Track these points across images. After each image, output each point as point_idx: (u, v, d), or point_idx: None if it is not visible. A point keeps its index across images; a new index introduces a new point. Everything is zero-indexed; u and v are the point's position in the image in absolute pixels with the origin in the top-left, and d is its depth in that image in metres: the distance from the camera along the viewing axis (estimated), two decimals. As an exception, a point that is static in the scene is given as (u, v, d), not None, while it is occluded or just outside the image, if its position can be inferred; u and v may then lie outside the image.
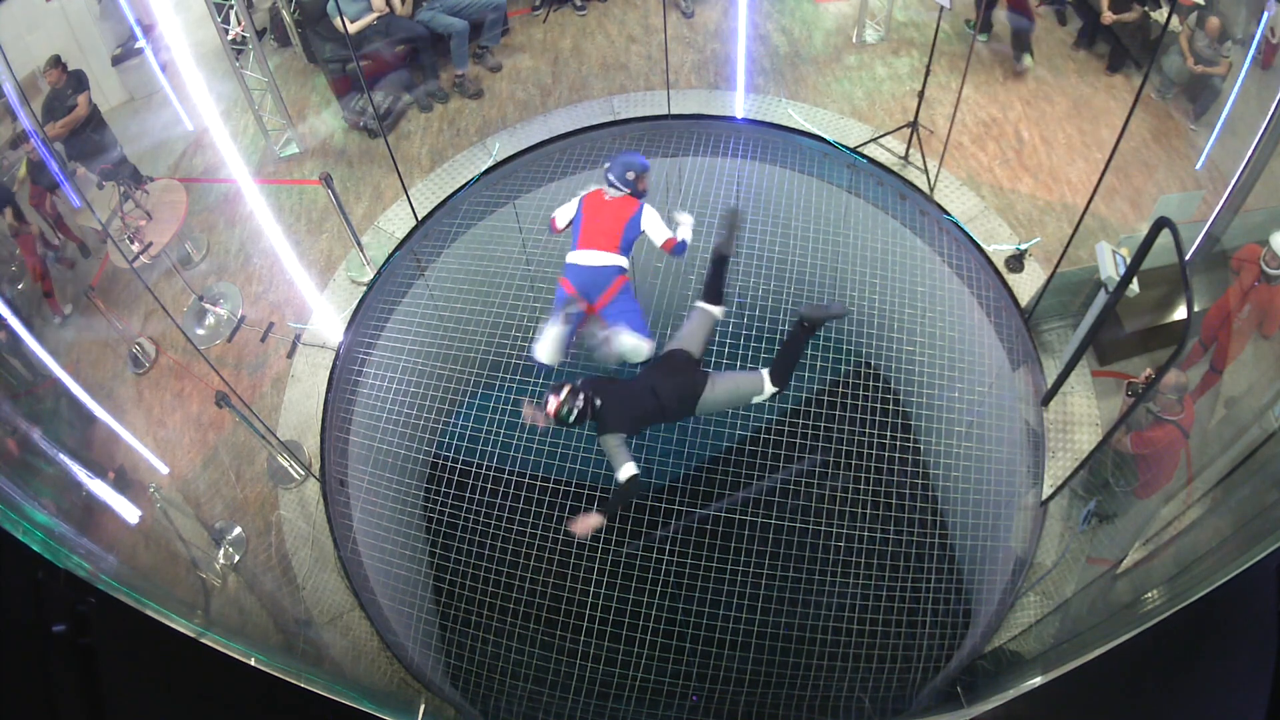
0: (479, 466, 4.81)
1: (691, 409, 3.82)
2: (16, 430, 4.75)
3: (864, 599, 4.80)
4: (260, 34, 6.53)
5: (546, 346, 3.99)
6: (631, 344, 3.92)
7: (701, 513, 5.05)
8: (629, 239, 4.03)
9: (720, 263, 3.98)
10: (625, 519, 4.65)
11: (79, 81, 5.79)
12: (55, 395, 5.10)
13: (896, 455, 5.31)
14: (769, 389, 3.83)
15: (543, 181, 5.96)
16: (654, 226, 4.05)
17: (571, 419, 3.59)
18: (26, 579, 1.74)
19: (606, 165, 4.09)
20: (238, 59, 5.98)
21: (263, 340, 5.47)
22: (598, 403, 3.65)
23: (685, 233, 4.09)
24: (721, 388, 3.81)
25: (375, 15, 6.25)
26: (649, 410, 3.74)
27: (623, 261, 4.02)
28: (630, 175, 4.00)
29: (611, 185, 4.07)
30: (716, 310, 4.01)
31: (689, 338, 3.92)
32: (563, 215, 4.21)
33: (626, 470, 3.60)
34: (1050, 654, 3.66)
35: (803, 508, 4.96)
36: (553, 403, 3.58)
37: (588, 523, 3.65)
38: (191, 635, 2.05)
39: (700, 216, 5.48)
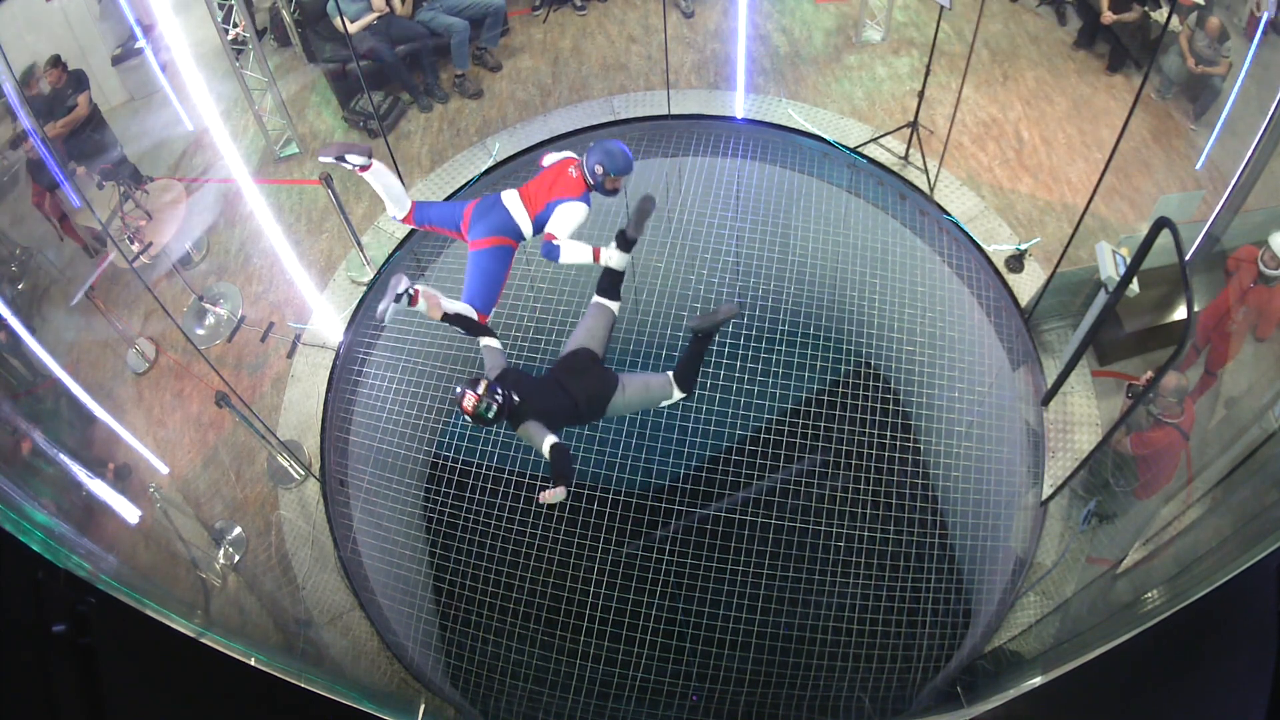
0: (479, 466, 4.81)
1: (602, 410, 3.69)
2: (17, 430, 4.75)
3: (864, 599, 4.80)
4: (260, 34, 6.53)
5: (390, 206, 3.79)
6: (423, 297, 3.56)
7: (701, 513, 5.05)
8: (544, 219, 3.70)
9: (626, 245, 3.71)
10: (625, 519, 4.66)
11: (79, 81, 5.79)
12: (55, 395, 5.10)
13: (896, 455, 5.31)
14: (677, 394, 3.74)
15: (543, 181, 5.96)
16: (558, 219, 3.65)
17: (491, 415, 3.38)
18: (26, 579, 1.74)
19: (592, 143, 3.74)
20: (238, 59, 5.98)
21: (263, 340, 5.47)
22: (515, 399, 3.47)
23: (573, 255, 3.64)
24: (632, 390, 3.69)
25: (375, 15, 6.25)
26: (563, 407, 3.59)
27: (525, 232, 3.73)
28: (598, 170, 3.63)
29: (583, 167, 3.74)
30: (613, 305, 3.81)
31: (590, 336, 3.75)
32: (549, 158, 3.92)
33: (548, 442, 3.42)
34: (1050, 654, 3.66)
35: (803, 508, 4.96)
36: (469, 398, 3.37)
37: (552, 494, 3.40)
38: (191, 635, 2.06)
39: (700, 217, 5.50)
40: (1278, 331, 4.59)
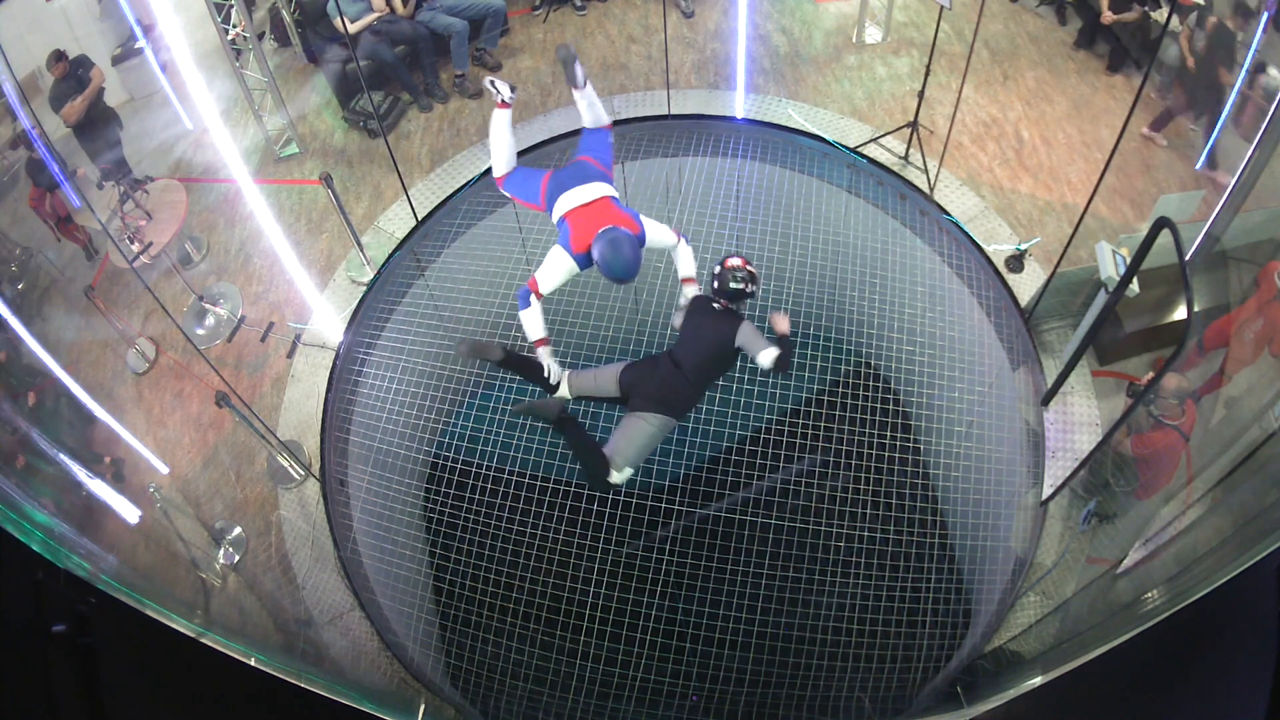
0: (479, 466, 4.81)
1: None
2: (16, 430, 4.75)
3: (864, 599, 4.80)
4: (260, 34, 6.53)
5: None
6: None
7: (701, 513, 5.05)
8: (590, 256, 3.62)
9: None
10: (625, 519, 4.65)
11: (83, 62, 5.79)
12: (55, 395, 5.10)
13: (896, 455, 5.31)
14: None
15: (543, 181, 5.96)
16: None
17: (732, 286, 3.68)
18: (26, 579, 1.74)
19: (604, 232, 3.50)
20: (238, 59, 5.98)
21: (263, 340, 5.47)
22: (751, 289, 3.71)
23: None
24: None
25: (375, 15, 6.25)
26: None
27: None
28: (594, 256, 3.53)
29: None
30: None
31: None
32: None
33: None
34: (1050, 654, 3.67)
35: (803, 508, 4.96)
36: (735, 259, 3.66)
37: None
38: (191, 635, 2.06)
39: (700, 216, 5.51)
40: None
